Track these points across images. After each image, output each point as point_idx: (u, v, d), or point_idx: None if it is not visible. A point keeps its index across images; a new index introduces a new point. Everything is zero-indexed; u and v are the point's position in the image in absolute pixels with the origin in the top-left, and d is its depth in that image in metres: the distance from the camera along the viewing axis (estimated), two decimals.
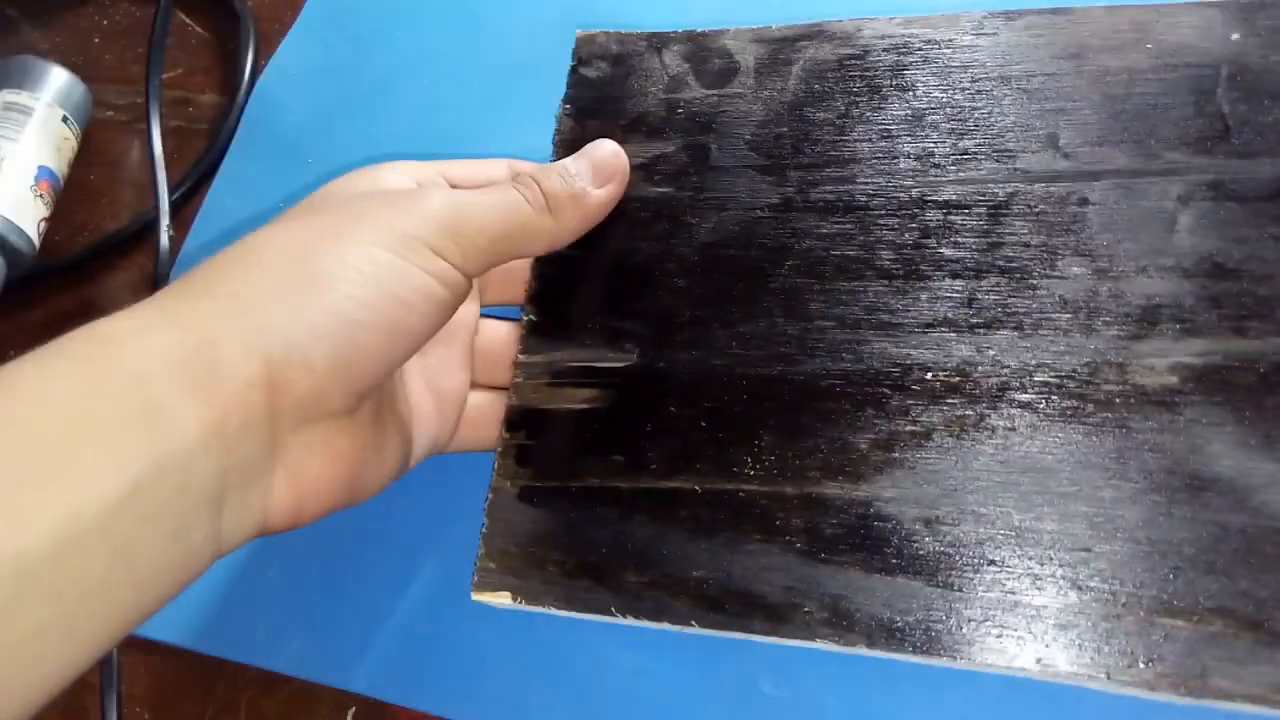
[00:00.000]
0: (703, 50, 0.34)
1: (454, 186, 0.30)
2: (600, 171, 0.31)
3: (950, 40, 0.31)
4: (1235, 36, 0.28)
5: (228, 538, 0.23)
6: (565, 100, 0.35)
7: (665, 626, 0.27)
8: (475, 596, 0.29)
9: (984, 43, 0.31)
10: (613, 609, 0.27)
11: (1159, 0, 0.29)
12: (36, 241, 0.42)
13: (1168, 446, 0.25)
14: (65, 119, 0.45)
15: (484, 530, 0.29)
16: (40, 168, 0.43)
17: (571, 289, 0.32)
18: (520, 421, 0.31)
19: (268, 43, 0.46)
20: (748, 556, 0.27)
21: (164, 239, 0.41)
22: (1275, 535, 0.23)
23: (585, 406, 0.30)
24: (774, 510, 0.27)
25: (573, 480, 0.30)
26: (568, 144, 0.34)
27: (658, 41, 0.35)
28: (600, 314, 0.31)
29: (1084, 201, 0.28)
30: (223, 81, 0.47)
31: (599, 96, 0.35)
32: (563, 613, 0.28)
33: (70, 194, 0.45)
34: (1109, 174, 0.28)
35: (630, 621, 0.27)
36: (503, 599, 0.28)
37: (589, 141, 0.32)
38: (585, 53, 0.36)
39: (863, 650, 0.25)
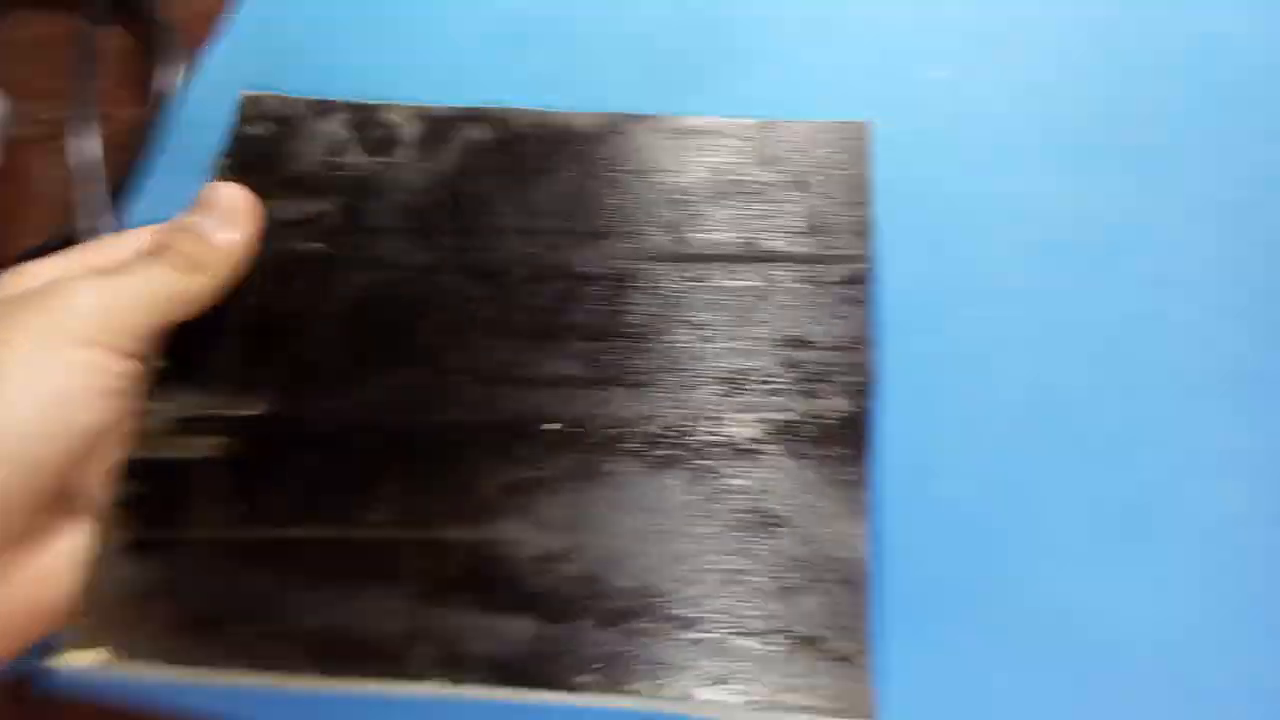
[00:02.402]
0: (366, 120, 0.35)
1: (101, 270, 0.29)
2: (231, 215, 0.31)
3: (593, 134, 0.34)
4: (821, 151, 0.33)
5: None
6: (226, 154, 0.35)
7: (274, 679, 0.26)
8: (65, 659, 0.26)
9: (618, 139, 0.34)
10: (215, 661, 0.26)
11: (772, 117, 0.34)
12: None
13: (750, 489, 0.28)
14: None
15: (83, 584, 0.27)
16: None
17: (208, 338, 0.31)
18: (138, 471, 0.29)
19: (190, 57, 0.43)
20: (366, 603, 0.27)
21: None
22: (831, 563, 0.27)
23: (207, 455, 0.29)
24: (395, 556, 0.27)
25: (189, 531, 0.28)
26: None
27: (322, 108, 0.36)
28: (237, 364, 0.30)
29: (696, 279, 0.31)
30: (142, 96, 0.43)
31: (260, 154, 0.35)
32: (166, 673, 0.26)
33: None
34: (717, 259, 0.32)
35: (238, 677, 0.26)
36: (96, 658, 0.26)
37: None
38: (250, 112, 0.36)
39: (474, 689, 0.26)
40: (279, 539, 0.28)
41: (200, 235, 0.30)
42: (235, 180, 0.34)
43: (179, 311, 0.29)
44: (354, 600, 0.27)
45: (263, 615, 0.27)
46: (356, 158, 0.34)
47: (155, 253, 0.29)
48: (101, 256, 0.30)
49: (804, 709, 0.25)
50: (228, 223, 0.31)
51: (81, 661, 0.26)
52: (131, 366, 0.28)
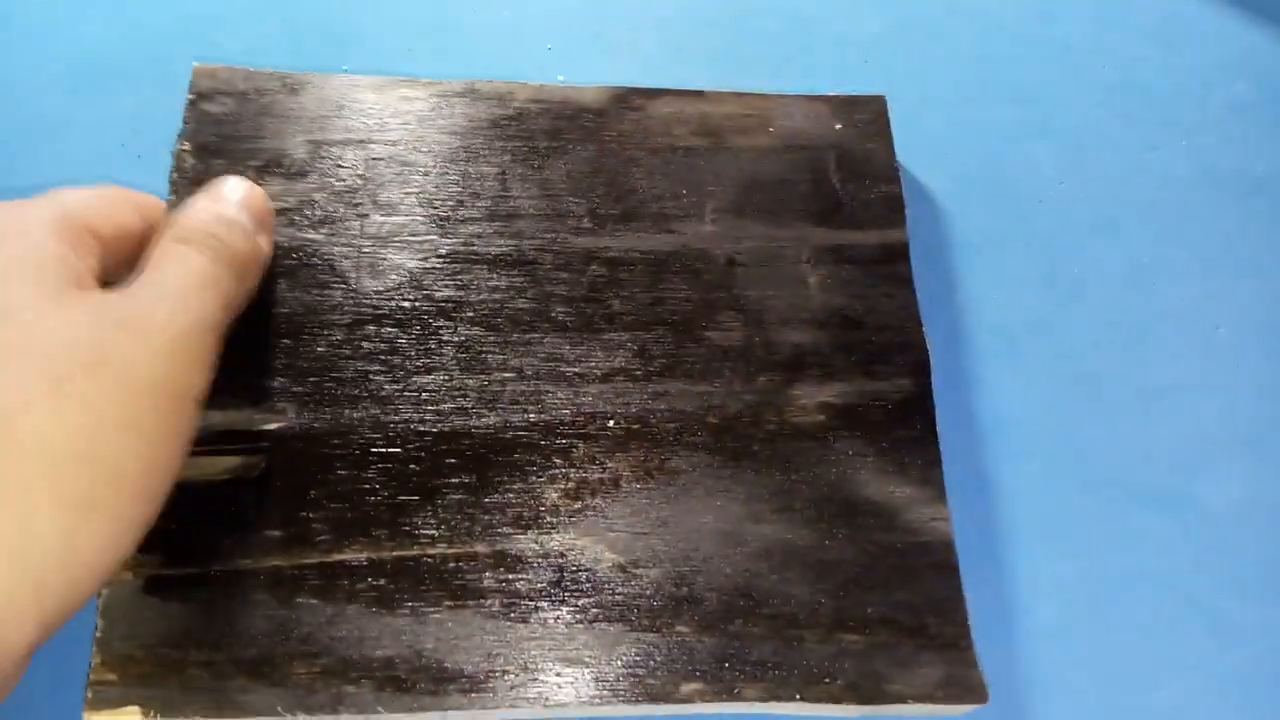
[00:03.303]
0: (346, 97, 0.32)
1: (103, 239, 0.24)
2: (263, 218, 0.27)
3: (602, 110, 0.32)
4: (838, 126, 0.33)
5: None
6: (183, 136, 0.31)
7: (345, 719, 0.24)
8: (89, 718, 0.23)
9: (632, 115, 0.32)
10: (279, 709, 0.23)
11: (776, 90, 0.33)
12: None
13: (824, 477, 0.27)
14: None
15: (98, 634, 0.24)
16: None
17: None
18: None
19: None
20: (439, 626, 0.25)
21: None
22: (919, 549, 0.27)
23: (229, 476, 0.26)
24: (463, 571, 0.25)
25: (216, 564, 0.25)
26: (189, 182, 0.30)
27: (293, 82, 0.32)
28: (245, 373, 0.27)
29: (731, 262, 0.30)
30: None
31: (225, 134, 0.31)
32: None
33: None
34: (749, 238, 0.31)
35: None
36: (129, 717, 0.23)
37: (213, 178, 0.28)
38: (206, 87, 0.32)
39: (568, 710, 0.24)
40: (327, 564, 0.25)
41: (247, 233, 0.26)
42: (198, 164, 0.30)
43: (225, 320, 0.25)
44: (425, 624, 0.25)
45: (319, 652, 0.24)
46: (343, 136, 0.31)
47: (193, 243, 0.24)
48: (105, 217, 0.25)
49: (917, 699, 0.25)
50: (262, 226, 0.27)
51: None
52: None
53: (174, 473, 0.22)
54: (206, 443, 0.26)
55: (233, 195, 0.26)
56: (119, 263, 0.25)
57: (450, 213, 0.30)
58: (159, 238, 0.24)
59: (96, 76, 0.36)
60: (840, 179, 0.32)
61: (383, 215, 0.30)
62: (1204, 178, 0.36)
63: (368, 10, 0.38)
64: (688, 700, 0.24)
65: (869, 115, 0.33)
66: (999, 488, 0.30)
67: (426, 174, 0.31)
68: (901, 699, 0.25)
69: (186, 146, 0.30)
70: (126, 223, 0.25)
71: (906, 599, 0.26)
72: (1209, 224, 0.35)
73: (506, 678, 0.24)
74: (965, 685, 0.25)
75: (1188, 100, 0.38)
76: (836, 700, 0.25)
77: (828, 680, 0.25)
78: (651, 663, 0.25)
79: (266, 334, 0.28)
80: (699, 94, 0.33)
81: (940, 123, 0.36)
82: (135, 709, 0.23)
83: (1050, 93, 0.37)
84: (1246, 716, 0.28)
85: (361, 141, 0.31)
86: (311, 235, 0.29)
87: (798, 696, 0.25)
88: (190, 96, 0.31)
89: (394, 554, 0.25)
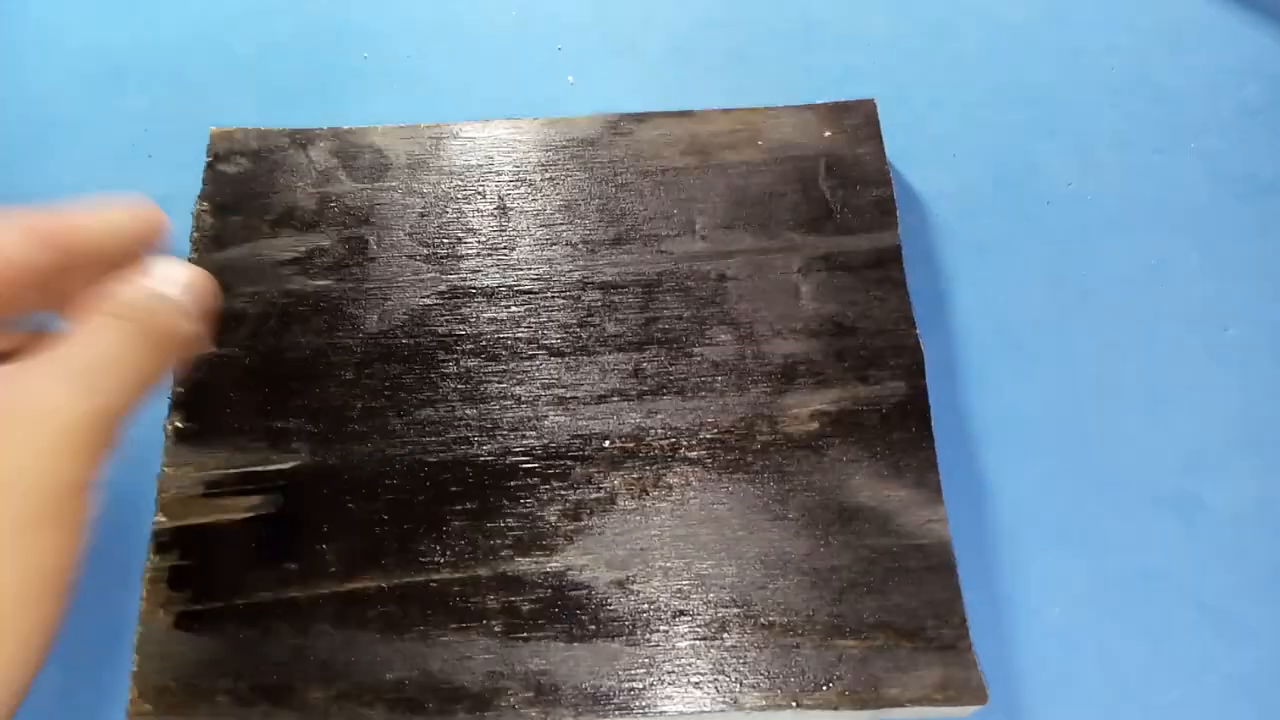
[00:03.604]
0: (350, 146, 0.34)
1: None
2: (200, 301, 0.24)
3: (592, 138, 0.33)
4: (827, 134, 0.33)
5: None
6: (203, 196, 0.33)
7: None
8: None
9: (622, 140, 0.33)
10: None
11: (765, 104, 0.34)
12: None
13: (818, 485, 0.28)
14: None
15: (134, 669, 0.25)
16: None
17: (222, 392, 0.29)
18: (172, 542, 0.27)
19: None
20: (445, 648, 0.26)
21: None
22: (914, 552, 0.27)
23: (248, 515, 0.28)
24: (469, 595, 0.26)
25: (239, 597, 0.27)
26: (209, 240, 0.32)
27: (301, 138, 0.34)
28: (258, 415, 0.29)
29: (722, 277, 0.31)
30: None
31: (240, 192, 0.33)
32: None
33: None
34: (740, 252, 0.31)
35: None
36: None
37: (230, 235, 0.31)
38: (222, 149, 0.34)
39: None
40: (340, 594, 0.27)
41: (183, 313, 0.23)
42: (215, 222, 0.32)
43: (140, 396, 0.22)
44: (433, 646, 0.26)
45: (334, 676, 0.26)
46: (347, 186, 0.33)
47: (121, 317, 0.22)
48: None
49: (915, 702, 0.25)
50: (200, 310, 0.24)
51: None
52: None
53: (71, 569, 0.19)
54: (229, 484, 0.28)
55: (176, 275, 0.23)
56: (20, 298, 0.22)
57: (449, 250, 0.31)
58: (89, 308, 0.22)
59: (108, 76, 0.38)
60: (830, 186, 0.32)
61: (386, 257, 0.31)
62: (1213, 180, 0.35)
63: (378, 12, 0.39)
64: (689, 710, 0.25)
65: (859, 120, 0.33)
66: (1007, 489, 0.30)
67: (424, 214, 0.32)
68: (899, 703, 0.25)
69: (205, 206, 0.33)
70: (28, 259, 0.22)
71: (904, 602, 0.26)
72: (1218, 226, 0.34)
73: (510, 695, 0.25)
74: (964, 687, 0.25)
75: (1197, 102, 0.37)
76: (834, 706, 0.25)
77: (825, 687, 0.25)
78: (652, 675, 0.25)
79: (283, 378, 0.30)
80: (688, 114, 0.34)
81: (948, 124, 0.36)
82: None
83: (1059, 94, 0.37)
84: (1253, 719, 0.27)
85: (365, 188, 0.33)
86: (321, 282, 0.31)
87: (794, 704, 0.25)
88: (208, 159, 0.34)
89: (402, 581, 0.27)
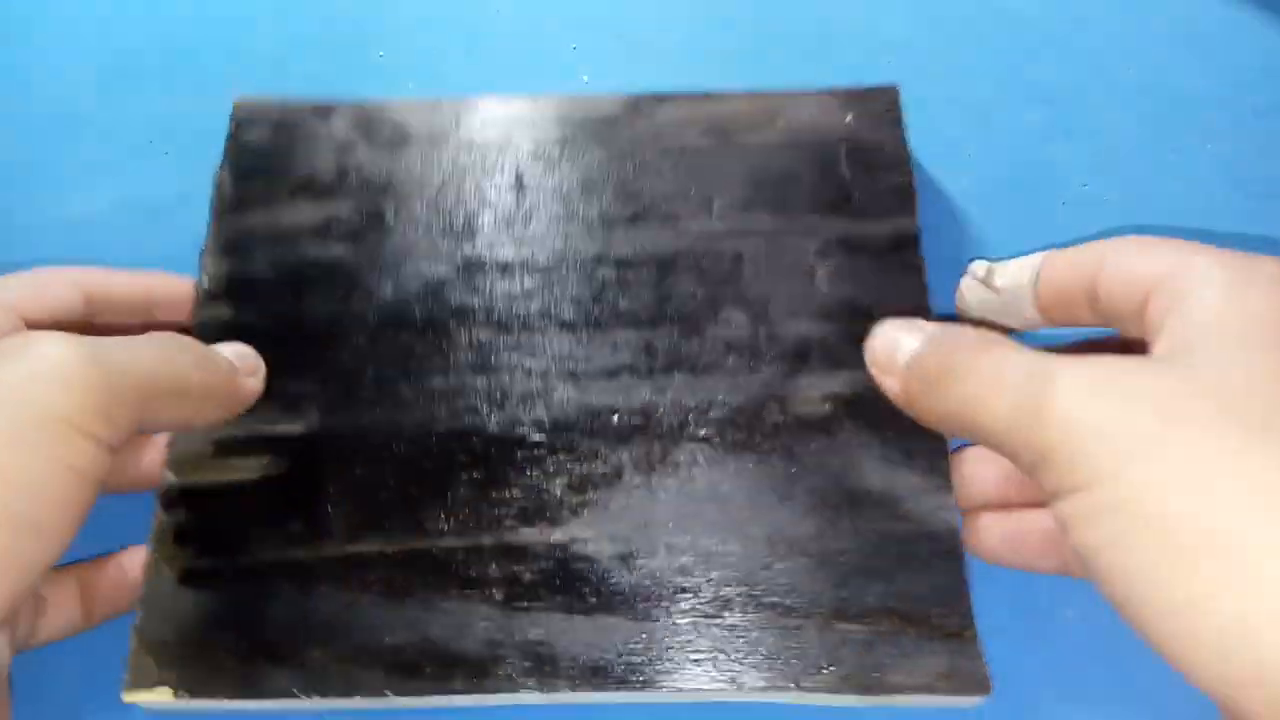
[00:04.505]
0: (371, 119, 0.34)
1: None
2: (256, 371, 0.29)
3: (613, 117, 0.33)
4: (849, 118, 0.33)
5: None
6: (224, 164, 0.33)
7: (357, 703, 0.25)
8: (127, 698, 0.25)
9: (642, 121, 0.33)
10: (294, 690, 0.25)
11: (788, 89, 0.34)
12: None
13: (827, 467, 0.27)
14: None
15: (136, 622, 0.26)
16: None
17: None
18: (178, 500, 0.27)
19: None
20: (445, 614, 0.26)
21: None
22: (922, 539, 0.26)
23: (255, 477, 0.28)
24: (471, 563, 0.26)
25: (243, 556, 0.27)
26: (229, 206, 0.32)
27: (323, 110, 0.34)
28: (270, 378, 0.29)
29: (738, 257, 0.31)
30: None
31: (261, 160, 0.33)
32: (236, 704, 0.25)
33: None
34: (756, 234, 0.31)
35: (317, 703, 0.25)
36: (162, 696, 0.25)
37: (250, 201, 0.32)
38: (244, 117, 0.34)
39: (568, 694, 0.25)
40: (344, 557, 0.27)
41: (240, 382, 0.27)
42: (235, 189, 0.32)
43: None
44: (433, 613, 0.26)
45: (334, 637, 0.26)
46: (366, 157, 0.33)
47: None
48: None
49: (916, 689, 0.24)
50: (243, 363, 0.28)
51: (143, 700, 0.25)
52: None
53: (42, 506, 0.21)
54: (238, 445, 0.28)
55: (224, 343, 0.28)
56: None
57: (466, 222, 0.31)
58: None
59: (126, 75, 0.38)
60: (850, 170, 0.32)
61: (403, 228, 0.31)
62: (1230, 182, 0.34)
63: (396, 11, 0.40)
64: (686, 688, 0.25)
65: (881, 106, 0.33)
66: None
67: (442, 187, 0.32)
68: (901, 689, 0.24)
69: (226, 173, 0.33)
70: (60, 303, 0.27)
71: (910, 589, 0.26)
72: (1234, 228, 0.33)
73: (508, 664, 0.25)
74: (967, 676, 0.24)
75: (1215, 104, 0.36)
76: (834, 690, 0.25)
77: (826, 670, 0.25)
78: (651, 651, 0.25)
79: (296, 342, 0.30)
80: (709, 97, 0.34)
81: (964, 122, 0.36)
82: (167, 689, 0.25)
83: (1076, 94, 0.36)
84: None
85: (384, 159, 0.33)
86: (338, 250, 0.31)
87: (794, 686, 0.25)
88: (231, 127, 0.34)
89: (405, 546, 0.27)
